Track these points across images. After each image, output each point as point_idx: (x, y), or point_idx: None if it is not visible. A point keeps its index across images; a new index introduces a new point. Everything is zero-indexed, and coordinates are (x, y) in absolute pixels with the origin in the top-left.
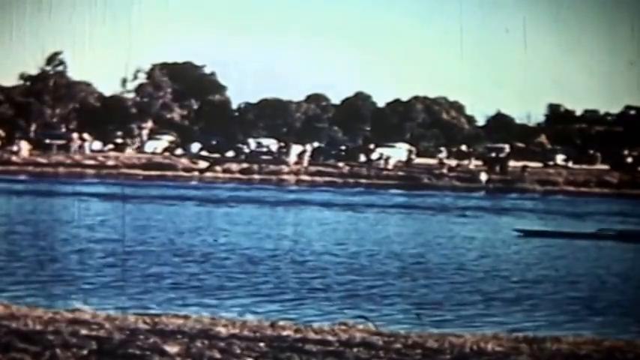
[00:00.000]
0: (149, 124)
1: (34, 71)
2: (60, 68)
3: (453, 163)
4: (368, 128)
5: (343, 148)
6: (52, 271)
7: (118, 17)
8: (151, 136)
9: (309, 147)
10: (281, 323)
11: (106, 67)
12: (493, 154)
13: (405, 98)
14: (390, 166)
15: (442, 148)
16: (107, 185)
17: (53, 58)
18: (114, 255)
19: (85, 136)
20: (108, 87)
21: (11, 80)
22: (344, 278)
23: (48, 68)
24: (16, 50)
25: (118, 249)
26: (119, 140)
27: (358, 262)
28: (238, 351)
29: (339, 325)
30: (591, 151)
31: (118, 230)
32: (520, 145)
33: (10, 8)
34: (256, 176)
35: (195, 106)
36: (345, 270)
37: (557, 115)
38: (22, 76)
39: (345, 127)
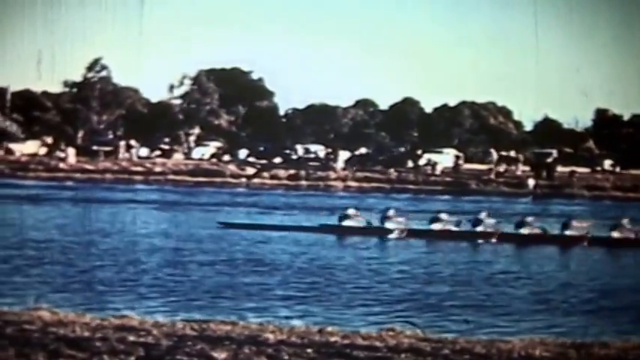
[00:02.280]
0: (196, 130)
1: (78, 78)
2: (103, 74)
3: (501, 168)
4: (415, 134)
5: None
6: (99, 279)
7: (164, 23)
8: (199, 142)
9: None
10: (329, 329)
11: (153, 73)
12: (540, 160)
13: (452, 103)
14: (437, 172)
15: (492, 150)
16: (156, 192)
17: (94, 64)
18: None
19: (132, 142)
20: (155, 93)
21: (58, 87)
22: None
23: (90, 75)
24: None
25: (170, 257)
26: (166, 147)
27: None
28: (286, 357)
29: (387, 331)
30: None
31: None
32: (568, 150)
33: (53, 16)
34: (303, 182)
35: (243, 112)
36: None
37: (604, 119)
38: (67, 83)
39: (393, 133)
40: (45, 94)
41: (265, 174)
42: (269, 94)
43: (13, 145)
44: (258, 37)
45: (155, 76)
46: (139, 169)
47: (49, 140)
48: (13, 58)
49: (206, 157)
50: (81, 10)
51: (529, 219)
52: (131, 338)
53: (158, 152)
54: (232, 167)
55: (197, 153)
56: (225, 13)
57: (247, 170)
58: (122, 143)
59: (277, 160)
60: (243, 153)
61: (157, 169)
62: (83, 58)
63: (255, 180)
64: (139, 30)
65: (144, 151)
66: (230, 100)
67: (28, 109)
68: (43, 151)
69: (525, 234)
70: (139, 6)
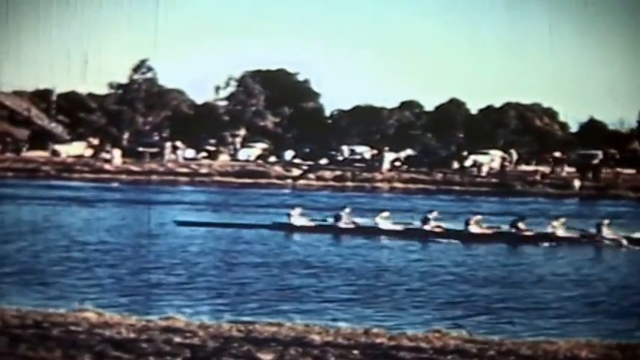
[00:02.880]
0: (242, 131)
1: (124, 80)
2: (149, 75)
3: (547, 169)
4: (461, 135)
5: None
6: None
7: (209, 24)
8: (244, 143)
9: (387, 155)
10: (374, 331)
11: (198, 75)
12: (586, 161)
13: (497, 104)
14: (483, 174)
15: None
16: (202, 193)
17: (140, 66)
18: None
19: (178, 144)
20: (200, 94)
21: (104, 89)
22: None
23: (136, 76)
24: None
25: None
26: (212, 148)
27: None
28: (332, 359)
29: (433, 333)
30: None
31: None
32: (613, 151)
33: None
34: (349, 183)
35: (288, 114)
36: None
37: None
38: (112, 85)
39: (438, 134)
40: (90, 95)
41: (311, 175)
42: (315, 96)
43: (58, 147)
44: (304, 39)
45: (201, 77)
46: (185, 170)
47: (95, 142)
48: (59, 61)
49: (252, 158)
50: (125, 10)
51: (477, 217)
52: (177, 340)
53: (204, 154)
54: (278, 168)
55: (243, 154)
56: (271, 15)
57: (293, 172)
58: (168, 145)
59: (323, 161)
60: (289, 154)
61: (203, 170)
62: (129, 59)
63: (301, 181)
64: (184, 31)
65: (190, 153)
66: (276, 101)
67: (74, 111)
68: (88, 152)
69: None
70: (184, 7)
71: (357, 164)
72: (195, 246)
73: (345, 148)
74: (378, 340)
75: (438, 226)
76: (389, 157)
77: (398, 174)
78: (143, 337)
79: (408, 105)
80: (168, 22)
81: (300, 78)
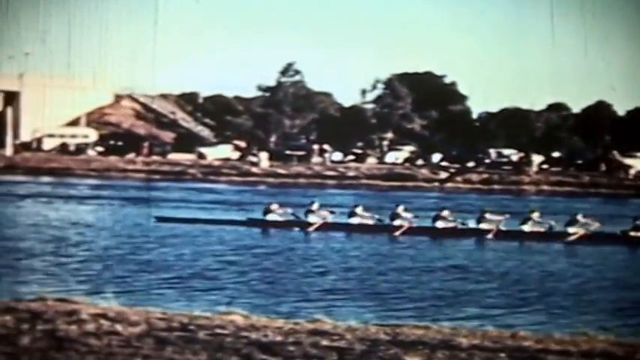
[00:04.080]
0: (389, 134)
1: (271, 82)
2: (297, 78)
3: None
4: (608, 137)
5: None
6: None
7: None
8: (392, 146)
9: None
10: (522, 334)
11: (345, 78)
12: None
13: None
14: (630, 176)
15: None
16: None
17: (288, 69)
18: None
19: (326, 146)
20: (347, 97)
21: (250, 91)
22: None
23: (283, 79)
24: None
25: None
26: (359, 151)
27: None
28: None
29: (580, 336)
30: None
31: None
32: None
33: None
34: (496, 186)
35: (436, 116)
36: None
37: None
38: (260, 87)
39: (586, 137)
40: (237, 98)
41: (458, 178)
42: (462, 98)
43: (205, 150)
44: (452, 41)
45: (347, 80)
46: (332, 173)
47: (242, 144)
48: (205, 64)
49: (399, 161)
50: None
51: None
52: (324, 343)
53: (351, 156)
54: (425, 171)
55: (390, 157)
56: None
57: (440, 174)
58: (315, 147)
59: (470, 164)
60: (436, 157)
61: (350, 173)
62: (277, 62)
63: (448, 184)
64: (331, 35)
65: (337, 156)
66: (423, 104)
67: (220, 114)
68: (235, 155)
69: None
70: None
71: (504, 167)
72: (353, 250)
73: (492, 151)
74: (525, 344)
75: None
76: (536, 159)
77: (545, 176)
78: (290, 340)
79: (555, 107)
80: (316, 25)
81: (447, 80)
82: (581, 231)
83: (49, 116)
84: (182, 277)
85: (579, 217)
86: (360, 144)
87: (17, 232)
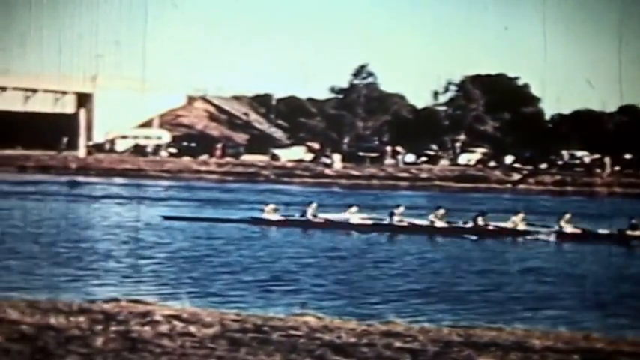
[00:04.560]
0: (462, 136)
1: (344, 84)
2: (369, 80)
3: None
4: None
5: None
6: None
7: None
8: (464, 148)
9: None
10: (594, 335)
11: (417, 79)
12: None
13: None
14: None
15: None
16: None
17: (361, 71)
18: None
19: (398, 148)
20: (420, 99)
21: (323, 93)
22: None
23: (357, 81)
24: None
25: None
26: (432, 153)
27: None
28: None
29: None
30: None
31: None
32: None
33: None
34: (569, 188)
35: (508, 118)
36: None
37: None
38: (333, 89)
39: None
40: (310, 100)
41: (531, 180)
42: (535, 100)
43: (278, 151)
44: (524, 43)
45: (420, 82)
46: (405, 175)
47: (315, 146)
48: (280, 66)
49: (472, 163)
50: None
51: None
52: (397, 344)
53: (424, 158)
54: (498, 173)
55: (463, 159)
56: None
57: (513, 176)
58: (388, 149)
59: (543, 165)
60: (508, 159)
61: (423, 175)
62: (349, 64)
63: (521, 186)
64: (403, 37)
65: (410, 158)
66: (495, 106)
67: (293, 115)
68: (308, 157)
69: None
70: (403, 12)
71: (577, 169)
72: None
73: (565, 153)
74: (598, 345)
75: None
76: (609, 161)
77: (617, 178)
78: (363, 342)
79: (627, 109)
80: (389, 27)
81: (520, 82)
82: None
83: (121, 118)
84: (259, 279)
85: None
86: (432, 146)
87: (92, 233)
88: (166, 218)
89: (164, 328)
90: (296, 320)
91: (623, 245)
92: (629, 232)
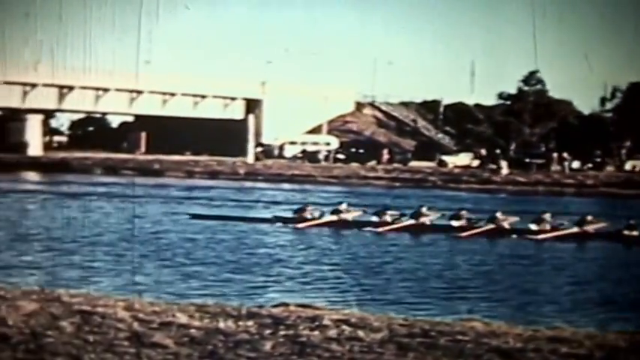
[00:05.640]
0: (627, 143)
1: (513, 90)
2: (538, 87)
3: None
4: None
5: None
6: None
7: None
8: (630, 155)
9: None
10: None
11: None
12: None
13: None
14: None
15: None
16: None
17: (530, 78)
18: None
19: (565, 155)
20: (587, 105)
21: (490, 99)
22: None
23: (526, 88)
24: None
25: None
26: (598, 159)
27: None
28: None
29: None
30: None
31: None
32: None
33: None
34: None
35: None
36: None
37: None
38: (502, 95)
39: None
40: (477, 106)
41: None
42: None
43: (445, 157)
44: None
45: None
46: (571, 181)
47: (483, 152)
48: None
49: (637, 169)
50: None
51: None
52: (564, 350)
53: (590, 165)
54: None
55: (629, 165)
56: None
57: None
58: (554, 155)
59: None
60: None
61: (589, 181)
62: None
63: None
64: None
65: (576, 164)
66: None
67: (461, 122)
68: (475, 163)
69: None
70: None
71: None
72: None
73: None
74: None
75: None
76: None
77: None
78: (530, 347)
79: None
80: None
81: None
82: None
83: (290, 124)
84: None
85: None
86: (598, 152)
87: (265, 240)
88: (193, 217)
89: (332, 332)
90: (463, 325)
91: None
92: None
